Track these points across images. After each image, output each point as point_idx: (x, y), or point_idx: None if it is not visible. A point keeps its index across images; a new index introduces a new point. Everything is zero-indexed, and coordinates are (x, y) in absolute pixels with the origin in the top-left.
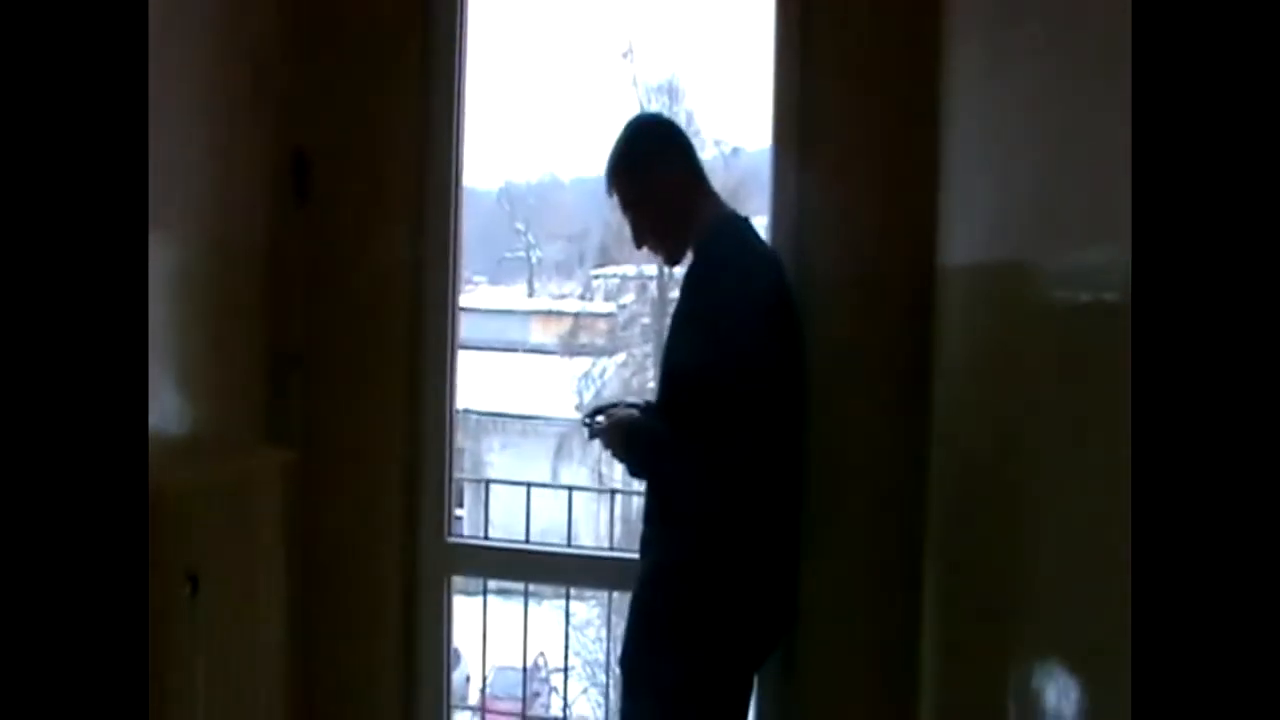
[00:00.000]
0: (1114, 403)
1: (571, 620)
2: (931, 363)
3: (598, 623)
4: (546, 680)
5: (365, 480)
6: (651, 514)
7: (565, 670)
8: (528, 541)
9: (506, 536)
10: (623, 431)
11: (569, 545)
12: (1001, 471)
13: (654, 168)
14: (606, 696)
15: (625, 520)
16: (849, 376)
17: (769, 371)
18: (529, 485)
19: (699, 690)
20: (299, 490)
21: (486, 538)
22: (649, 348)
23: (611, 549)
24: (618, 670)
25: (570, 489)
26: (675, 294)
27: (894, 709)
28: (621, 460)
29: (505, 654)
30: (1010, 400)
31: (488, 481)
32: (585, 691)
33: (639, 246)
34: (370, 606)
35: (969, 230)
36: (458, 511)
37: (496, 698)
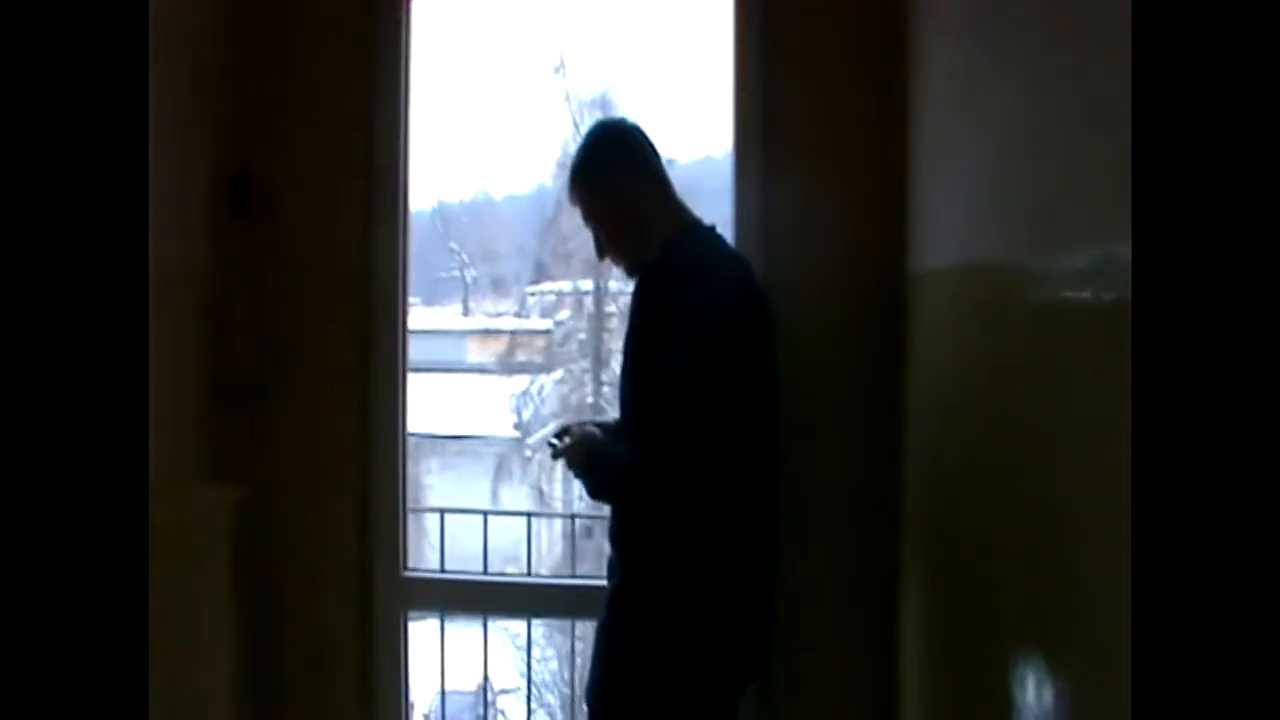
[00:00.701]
0: (1111, 407)
1: (516, 641)
2: (904, 372)
3: (543, 643)
4: (493, 704)
5: (317, 514)
6: (616, 536)
7: (529, 693)
8: (485, 572)
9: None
10: (584, 451)
11: (528, 574)
12: (982, 484)
13: (615, 175)
14: (553, 717)
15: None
16: (819, 388)
17: (740, 384)
18: (485, 513)
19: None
20: (247, 527)
21: (443, 570)
22: (586, 363)
23: (573, 575)
24: (584, 707)
25: (529, 515)
26: (612, 309)
27: None
28: (581, 480)
29: (452, 678)
30: (994, 408)
31: (442, 511)
32: (532, 715)
33: (601, 258)
34: (325, 646)
35: (944, 233)
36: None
37: None
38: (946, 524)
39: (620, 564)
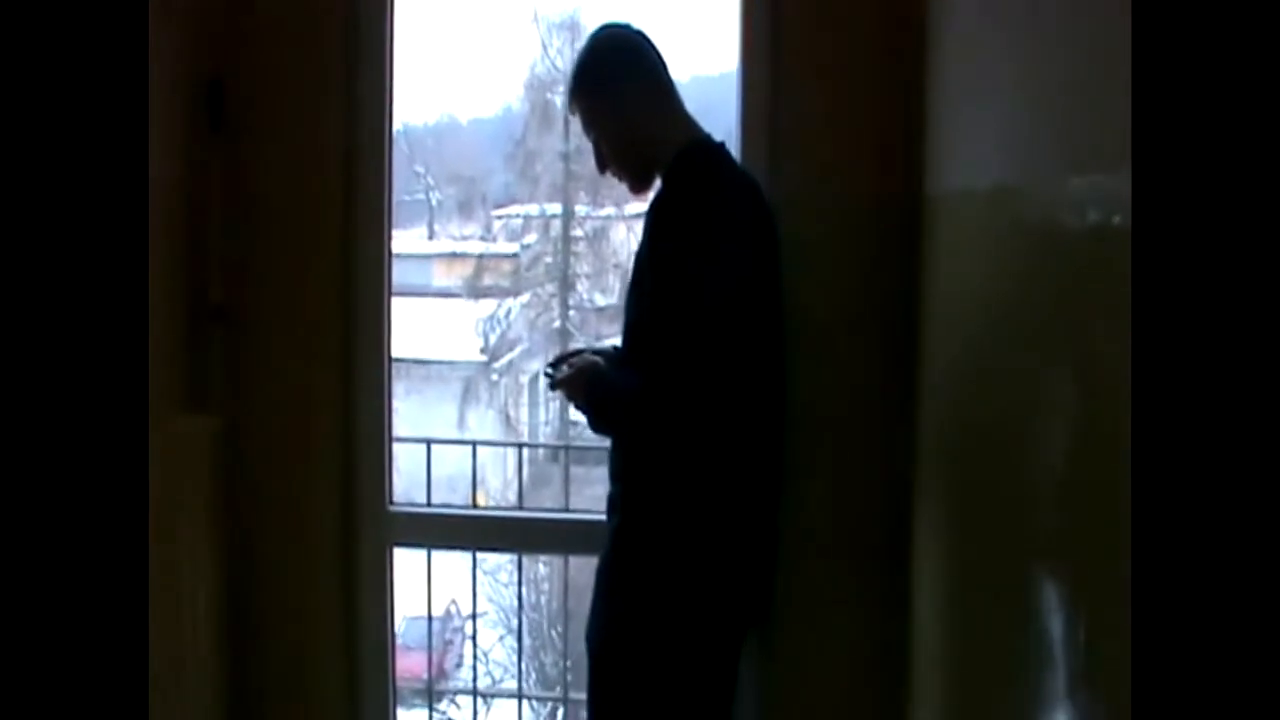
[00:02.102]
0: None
1: (481, 565)
2: (920, 301)
3: (510, 567)
4: (460, 630)
5: (298, 446)
6: (618, 471)
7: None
8: (474, 506)
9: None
10: (585, 379)
11: (520, 508)
12: (1004, 422)
13: (619, 83)
14: (520, 641)
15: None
16: (829, 317)
17: (750, 311)
18: (474, 443)
19: (682, 666)
20: (225, 460)
21: (429, 504)
22: (553, 287)
23: (567, 510)
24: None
25: (520, 445)
26: (579, 233)
27: (885, 681)
28: (583, 411)
29: (413, 604)
30: (1018, 340)
31: (429, 441)
32: (502, 639)
33: (601, 172)
34: (308, 581)
35: (971, 153)
36: None
37: (408, 648)
38: (964, 442)
39: (623, 500)
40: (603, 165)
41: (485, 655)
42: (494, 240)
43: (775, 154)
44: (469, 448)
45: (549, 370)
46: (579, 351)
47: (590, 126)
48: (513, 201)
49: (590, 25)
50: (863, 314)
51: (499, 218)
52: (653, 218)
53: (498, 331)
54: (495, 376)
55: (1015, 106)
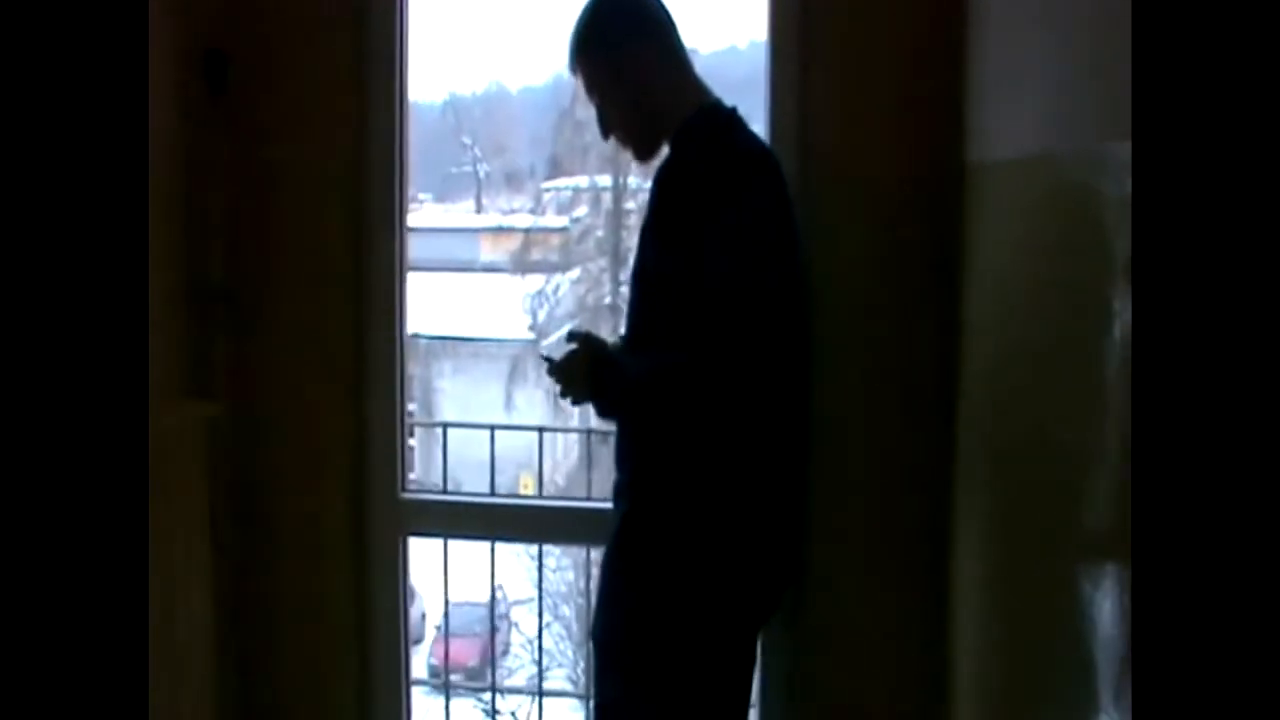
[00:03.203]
0: None
1: (530, 551)
2: (961, 279)
3: (558, 552)
4: (506, 615)
5: (305, 432)
6: (625, 457)
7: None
8: (492, 493)
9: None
10: (587, 363)
11: (540, 496)
12: (1047, 400)
13: (625, 44)
14: (569, 629)
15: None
16: (861, 293)
17: (765, 286)
18: (492, 428)
19: (692, 665)
20: (228, 447)
21: (445, 491)
22: (604, 261)
23: (588, 498)
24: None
25: (540, 430)
26: (631, 205)
27: (922, 666)
28: (585, 398)
29: (462, 589)
30: (1064, 313)
31: (445, 425)
32: (548, 625)
33: (605, 137)
34: (317, 573)
35: (1015, 117)
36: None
37: (455, 634)
38: (1007, 426)
39: (630, 488)
40: (606, 131)
41: (531, 643)
42: (543, 214)
43: (805, 128)
44: (521, 431)
45: (547, 355)
46: (580, 334)
47: (593, 90)
48: (563, 173)
49: None
50: (900, 291)
51: (548, 190)
52: (659, 189)
53: (546, 308)
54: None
55: (1062, 69)
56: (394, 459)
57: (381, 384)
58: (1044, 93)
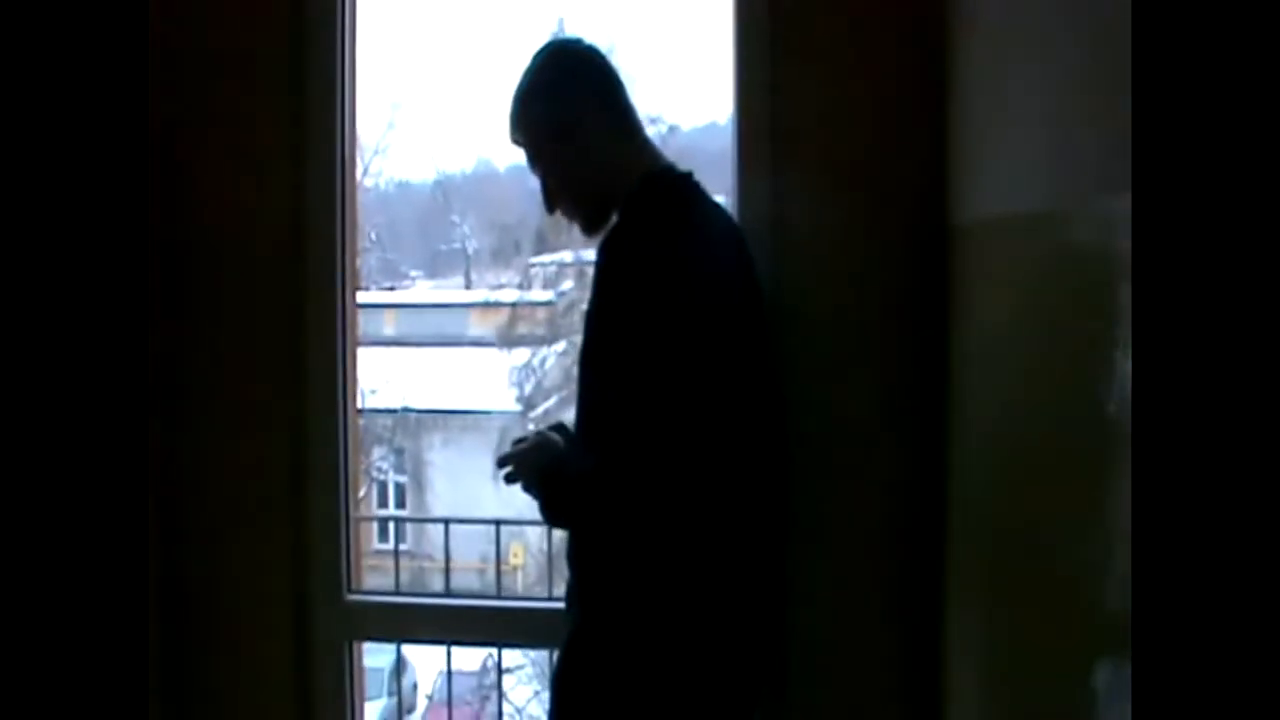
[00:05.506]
0: None
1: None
2: (949, 346)
3: None
4: (495, 686)
5: (240, 528)
6: (576, 558)
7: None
8: (447, 594)
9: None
10: (535, 463)
11: (497, 596)
12: (1043, 461)
13: (562, 106)
14: None
15: None
16: (840, 370)
17: (724, 377)
18: (446, 521)
19: None
20: (159, 549)
21: (398, 591)
22: None
23: (549, 598)
24: None
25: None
26: None
27: None
28: (534, 496)
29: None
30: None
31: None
32: (537, 695)
33: (550, 210)
34: (255, 684)
35: (1005, 175)
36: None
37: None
38: (1001, 489)
39: (580, 592)
40: (550, 203)
41: (520, 711)
42: (530, 288)
43: (778, 168)
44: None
45: (501, 461)
46: (541, 432)
47: (536, 159)
48: (549, 249)
49: (621, 66)
50: (883, 346)
51: (535, 265)
52: (598, 265)
53: (532, 380)
54: (531, 426)
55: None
56: (338, 555)
57: (323, 472)
58: (1029, 154)
